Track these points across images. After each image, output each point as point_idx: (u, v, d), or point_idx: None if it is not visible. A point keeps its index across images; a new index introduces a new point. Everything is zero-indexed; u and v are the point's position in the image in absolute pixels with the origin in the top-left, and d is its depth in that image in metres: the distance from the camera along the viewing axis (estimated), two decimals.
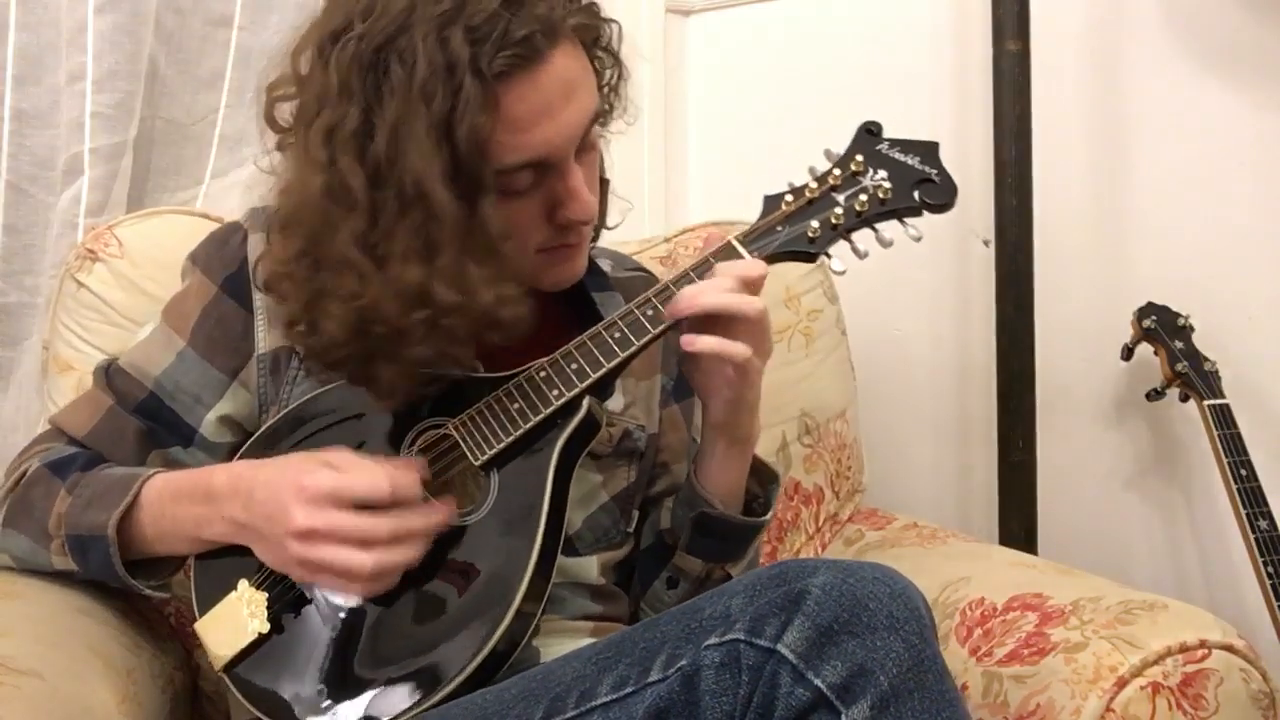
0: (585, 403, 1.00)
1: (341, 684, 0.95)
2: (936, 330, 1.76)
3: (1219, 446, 1.42)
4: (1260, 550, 1.36)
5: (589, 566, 1.11)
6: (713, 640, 0.83)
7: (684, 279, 1.00)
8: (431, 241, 0.93)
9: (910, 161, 1.02)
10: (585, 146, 1.01)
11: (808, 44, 1.85)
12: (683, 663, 0.83)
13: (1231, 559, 1.52)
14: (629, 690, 0.84)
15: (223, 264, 1.09)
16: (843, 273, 1.03)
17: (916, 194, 1.02)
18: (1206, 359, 1.48)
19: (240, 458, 1.05)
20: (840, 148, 1.05)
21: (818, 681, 0.80)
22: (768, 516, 1.11)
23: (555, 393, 0.99)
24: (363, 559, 0.91)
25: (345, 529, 0.91)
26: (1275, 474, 1.42)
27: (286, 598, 0.99)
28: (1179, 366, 1.47)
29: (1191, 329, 1.50)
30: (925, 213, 1.02)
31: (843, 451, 1.54)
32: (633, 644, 0.87)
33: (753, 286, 0.99)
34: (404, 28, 0.91)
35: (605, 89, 1.05)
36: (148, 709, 1.05)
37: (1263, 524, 1.37)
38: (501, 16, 0.91)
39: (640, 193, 1.89)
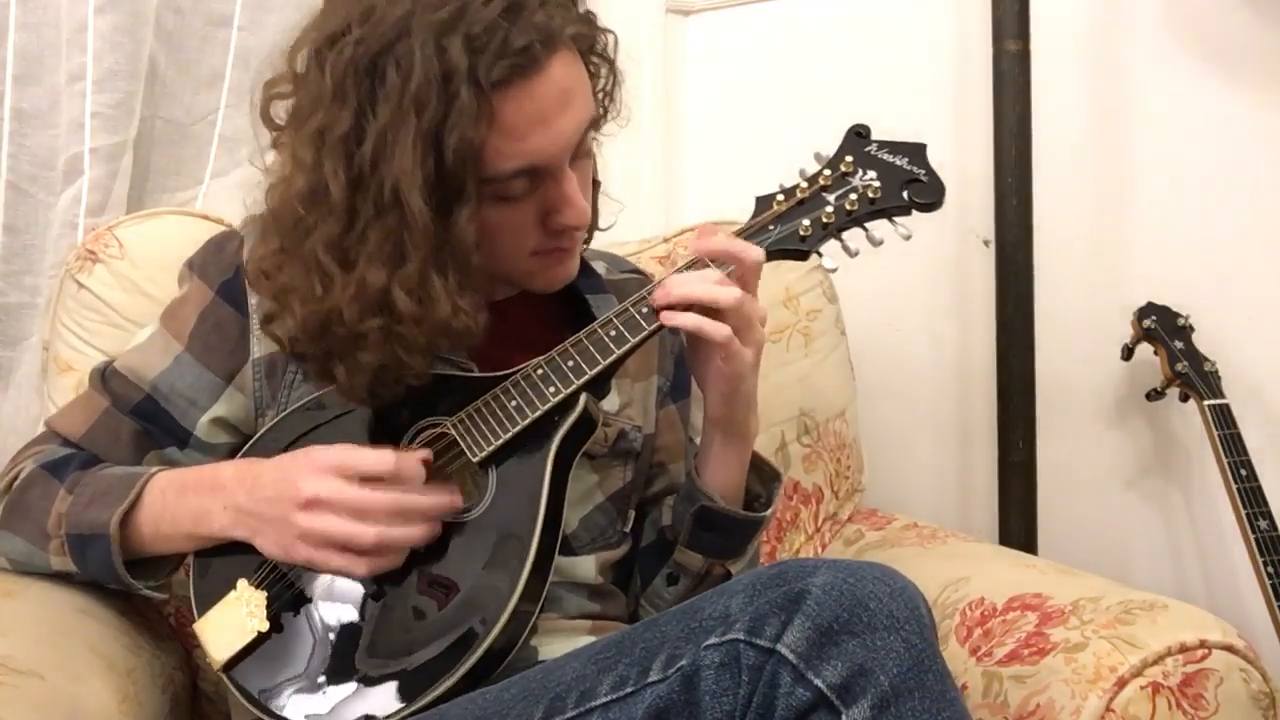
0: (582, 399, 1.00)
1: (340, 682, 0.95)
2: (936, 330, 1.76)
3: (1219, 446, 1.42)
4: (1260, 550, 1.36)
5: (586, 566, 1.11)
6: (713, 640, 0.83)
7: (680, 273, 1.01)
8: (400, 249, 0.94)
9: (899, 162, 1.04)
10: (580, 153, 1.02)
11: (807, 44, 1.85)
12: (683, 663, 0.83)
13: (1231, 559, 1.52)
14: (629, 690, 0.84)
15: (219, 270, 1.09)
16: (834, 270, 1.04)
17: (905, 193, 1.03)
18: (1206, 359, 1.48)
19: (241, 458, 1.06)
20: (833, 150, 1.06)
21: (818, 681, 0.80)
22: (768, 512, 1.11)
23: (552, 389, 1.00)
24: (364, 529, 0.93)
25: (348, 499, 0.93)
26: (1275, 474, 1.42)
27: (286, 597, 0.99)
28: (1179, 366, 1.47)
29: (1191, 329, 1.50)
30: (914, 211, 1.04)
31: (842, 451, 1.54)
32: (632, 644, 0.87)
33: (749, 275, 0.99)
34: (402, 34, 0.92)
35: (600, 95, 1.06)
36: (148, 709, 1.05)
37: (1263, 524, 1.37)
38: (500, 26, 0.91)
39: (639, 192, 1.89)
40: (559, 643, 1.04)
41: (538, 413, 1.00)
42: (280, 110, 1.01)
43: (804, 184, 1.04)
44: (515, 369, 1.02)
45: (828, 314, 1.56)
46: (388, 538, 0.94)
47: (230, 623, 0.99)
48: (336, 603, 0.98)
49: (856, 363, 1.59)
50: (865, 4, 1.80)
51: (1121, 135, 1.60)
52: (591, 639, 1.00)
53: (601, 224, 1.17)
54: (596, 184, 1.12)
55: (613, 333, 1.00)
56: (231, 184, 1.58)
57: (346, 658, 0.96)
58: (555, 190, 0.99)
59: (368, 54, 0.92)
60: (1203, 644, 1.03)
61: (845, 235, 1.03)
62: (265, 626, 0.98)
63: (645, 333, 1.00)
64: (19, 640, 0.97)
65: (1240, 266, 1.53)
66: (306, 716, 0.95)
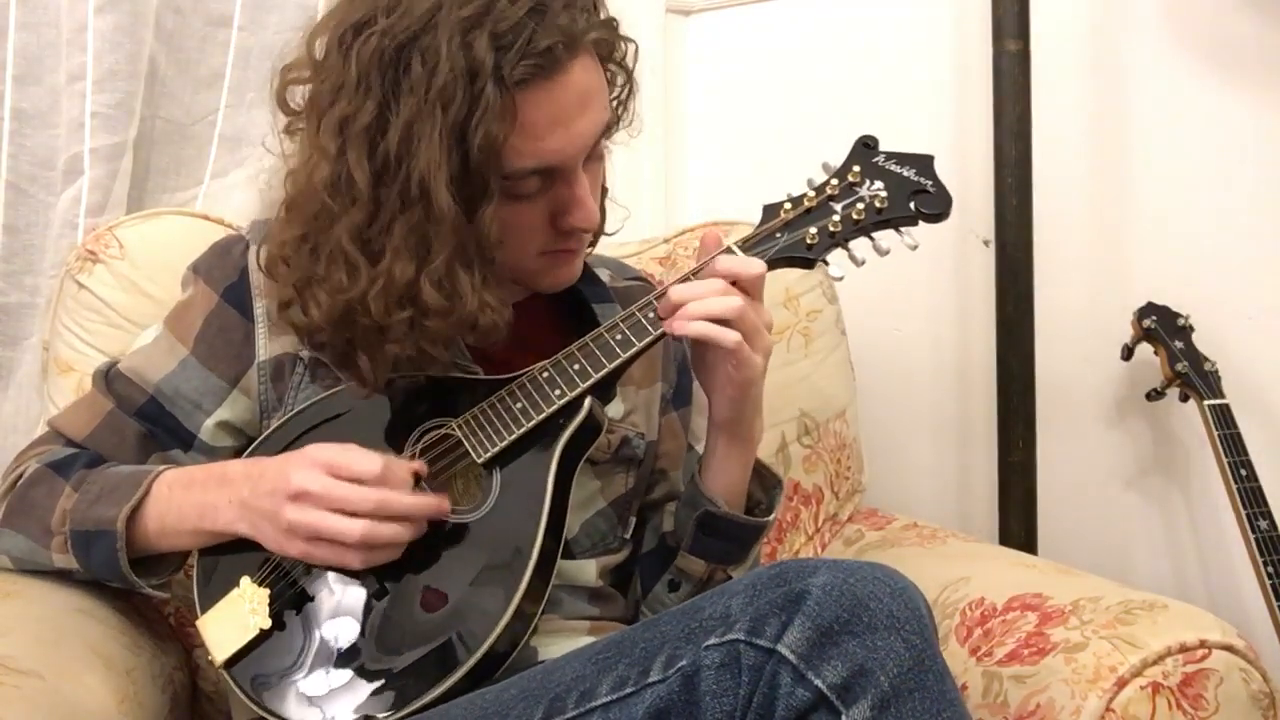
0: (587, 403, 1.00)
1: (342, 680, 0.95)
2: (936, 330, 1.76)
3: (1219, 446, 1.42)
4: (1260, 550, 1.36)
5: (587, 569, 1.11)
6: (713, 640, 0.83)
7: (684, 283, 1.01)
8: (426, 242, 0.94)
9: (906, 173, 1.04)
10: (593, 156, 1.03)
11: (808, 44, 1.85)
12: (683, 663, 0.83)
13: (1231, 559, 1.52)
14: (629, 690, 0.84)
15: (224, 274, 1.10)
16: (840, 279, 1.04)
17: (912, 204, 1.03)
18: (1206, 359, 1.48)
19: (248, 456, 1.06)
20: (839, 148, 1.06)
21: (818, 682, 0.80)
22: (771, 517, 1.11)
23: (558, 392, 1.00)
24: (350, 524, 0.94)
25: (334, 494, 0.94)
26: (1275, 474, 1.42)
27: (288, 594, 0.99)
28: (1179, 366, 1.47)
29: (1191, 329, 1.50)
30: (921, 222, 1.04)
31: (842, 452, 1.54)
32: (632, 644, 0.87)
33: (751, 286, 0.99)
34: (428, 27, 0.92)
35: (615, 103, 1.07)
36: (148, 709, 1.05)
37: (1263, 524, 1.37)
38: (526, 25, 0.92)
39: (639, 193, 1.89)
40: (559, 643, 1.04)
41: (543, 415, 1.00)
42: (297, 96, 1.02)
43: (811, 193, 1.04)
44: (521, 372, 1.02)
45: (828, 314, 1.56)
46: (373, 534, 0.94)
47: (232, 620, 0.99)
48: (339, 602, 0.98)
49: (856, 363, 1.59)
50: (865, 4, 1.80)
51: (1121, 135, 1.60)
52: (591, 639, 1.00)
53: (607, 229, 1.18)
54: (604, 190, 1.13)
55: (618, 337, 1.00)
56: (231, 184, 1.59)
57: (348, 656, 0.96)
58: (567, 191, 1.00)
59: (394, 45, 0.93)
60: (1203, 644, 1.03)
61: (852, 245, 1.04)
62: (267, 624, 0.98)
63: (651, 338, 1.00)
64: (19, 640, 0.97)
65: (1240, 266, 1.53)
66: (306, 715, 0.95)
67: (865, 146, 1.05)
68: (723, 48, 1.95)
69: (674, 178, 1.96)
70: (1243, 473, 1.39)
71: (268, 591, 0.99)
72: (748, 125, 1.93)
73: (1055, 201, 1.60)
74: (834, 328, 1.56)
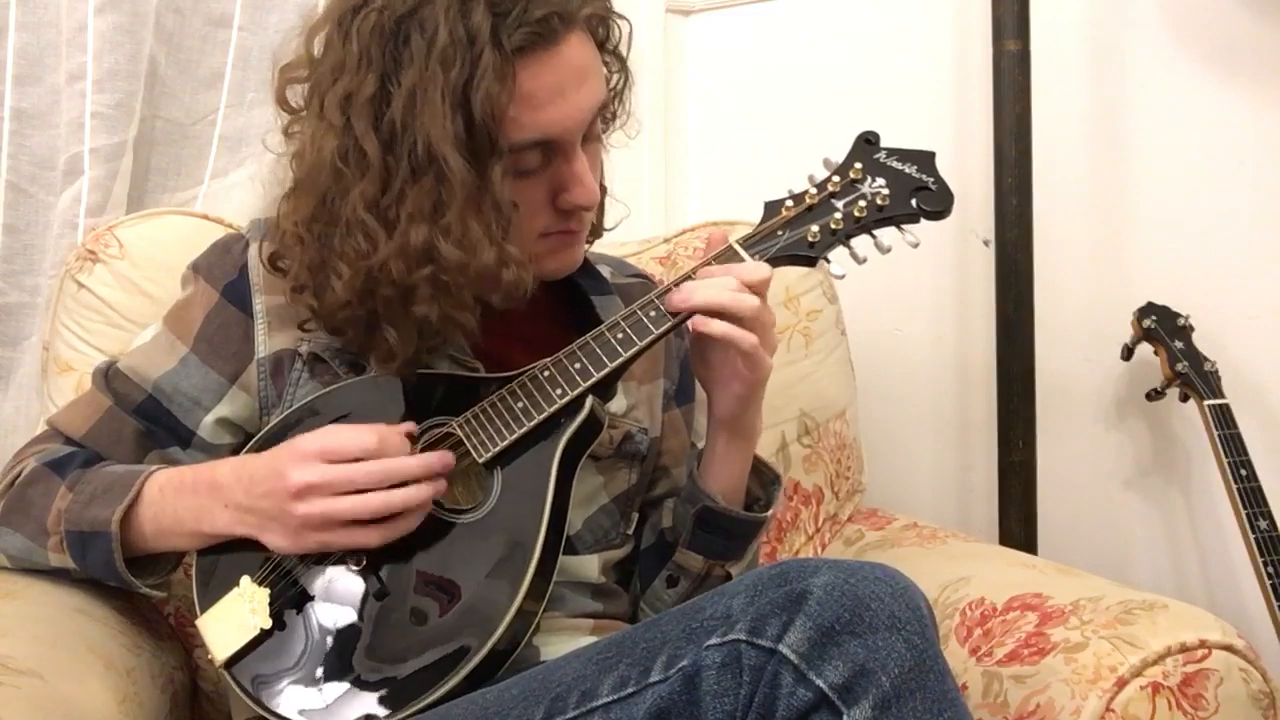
0: (588, 402, 1.00)
1: (342, 680, 0.95)
2: (936, 330, 1.76)
3: (1219, 446, 1.42)
4: (1260, 550, 1.36)
5: (589, 565, 1.11)
6: (714, 640, 0.83)
7: (686, 281, 1.01)
8: (440, 203, 0.95)
9: (908, 170, 1.04)
10: (590, 136, 1.03)
11: (808, 44, 1.85)
12: (684, 663, 0.83)
13: (1231, 559, 1.52)
14: (630, 690, 0.84)
15: (224, 272, 1.10)
16: (842, 276, 1.04)
17: (914, 201, 1.03)
18: (1206, 359, 1.48)
19: (238, 455, 1.06)
20: (839, 149, 1.06)
21: (819, 682, 0.80)
22: (769, 514, 1.11)
23: (559, 391, 1.00)
24: (365, 499, 0.94)
25: (339, 478, 0.94)
26: (1275, 474, 1.42)
27: (289, 594, 0.99)
28: (1179, 366, 1.47)
29: (1191, 329, 1.50)
30: (922, 219, 1.04)
31: (842, 451, 1.54)
32: (633, 644, 0.87)
33: (756, 289, 1.00)
34: (425, 1, 0.94)
35: (611, 92, 1.07)
36: (148, 709, 1.05)
37: (1263, 524, 1.37)
38: None
39: (640, 193, 1.89)
40: (561, 641, 1.04)
41: (544, 414, 1.00)
42: (298, 94, 1.03)
43: (813, 190, 1.04)
44: (522, 370, 1.02)
45: (828, 314, 1.56)
46: (390, 502, 0.95)
47: (232, 619, 0.99)
48: (339, 602, 0.98)
49: (856, 363, 1.59)
50: (865, 4, 1.80)
51: (1121, 135, 1.60)
52: (593, 638, 1.00)
53: (606, 224, 1.18)
54: (603, 187, 1.13)
55: (620, 335, 1.00)
56: (231, 184, 1.59)
57: (347, 657, 0.96)
58: (566, 168, 1.01)
59: (392, 19, 0.95)
60: (1203, 644, 1.02)
61: (854, 242, 1.04)
62: (268, 624, 0.98)
63: (652, 336, 1.00)
64: (18, 640, 0.97)
65: (1240, 266, 1.53)
66: (306, 714, 0.95)
67: (867, 143, 1.05)
68: (723, 48, 1.95)
69: (674, 178, 1.97)
70: (1243, 473, 1.40)
71: (268, 591, 0.99)
72: (748, 125, 1.93)
73: (1055, 201, 1.60)
74: (834, 328, 1.56)
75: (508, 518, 0.99)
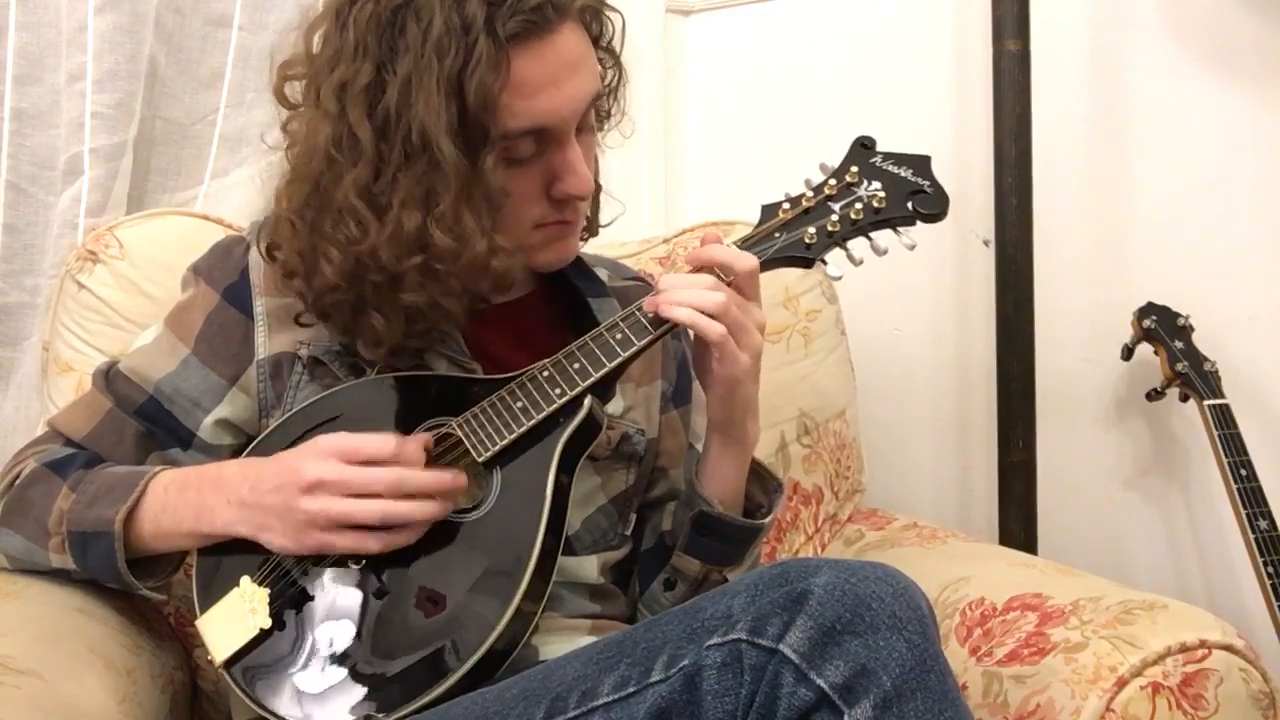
0: (587, 402, 1.00)
1: (342, 680, 0.95)
2: (936, 330, 1.76)
3: (1219, 446, 1.42)
4: (1260, 550, 1.36)
5: (588, 566, 1.11)
6: (714, 640, 0.83)
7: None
8: (432, 192, 0.96)
9: (903, 173, 1.05)
10: (584, 127, 1.04)
11: (808, 44, 1.85)
12: (684, 663, 0.83)
13: (1231, 559, 1.52)
14: (630, 690, 0.84)
15: (225, 274, 1.10)
16: (839, 278, 1.04)
17: (910, 204, 1.04)
18: (1206, 359, 1.48)
19: (244, 457, 1.06)
20: (839, 148, 1.07)
21: (820, 681, 0.80)
22: (767, 520, 1.11)
23: (558, 391, 1.00)
24: (369, 505, 0.94)
25: (350, 478, 0.95)
26: (1275, 474, 1.42)
27: (288, 595, 0.99)
28: (1179, 366, 1.47)
29: (1191, 329, 1.50)
30: (918, 222, 1.05)
31: (842, 451, 1.54)
32: (634, 644, 0.87)
33: (745, 283, 1.00)
34: None
35: (605, 87, 1.08)
36: (148, 709, 1.05)
37: (1263, 524, 1.37)
38: None
39: (639, 193, 1.89)
40: (560, 642, 1.04)
41: (543, 414, 1.00)
42: (296, 91, 1.03)
43: (809, 193, 1.05)
44: (521, 371, 1.02)
45: (827, 314, 1.56)
46: (393, 513, 0.95)
47: (232, 619, 0.99)
48: (339, 602, 0.98)
49: (856, 363, 1.59)
50: (865, 4, 1.80)
51: (1121, 135, 1.60)
52: (592, 638, 1.00)
53: (601, 220, 1.18)
54: (598, 184, 1.13)
55: (618, 336, 1.01)
56: (231, 184, 1.59)
57: (348, 656, 0.96)
58: (560, 157, 1.01)
59: (389, 9, 0.96)
60: (1203, 644, 1.03)
61: (850, 244, 1.04)
62: (267, 624, 0.98)
63: (650, 337, 1.00)
64: (18, 640, 0.97)
65: (1240, 266, 1.53)
66: (306, 714, 0.95)
67: (863, 147, 1.06)
68: (723, 48, 1.95)
69: (674, 178, 1.97)
70: (1243, 473, 1.40)
71: (267, 591, 0.99)
72: (747, 125, 1.93)
73: (1055, 201, 1.60)
74: (834, 328, 1.56)
75: (506, 518, 0.99)
